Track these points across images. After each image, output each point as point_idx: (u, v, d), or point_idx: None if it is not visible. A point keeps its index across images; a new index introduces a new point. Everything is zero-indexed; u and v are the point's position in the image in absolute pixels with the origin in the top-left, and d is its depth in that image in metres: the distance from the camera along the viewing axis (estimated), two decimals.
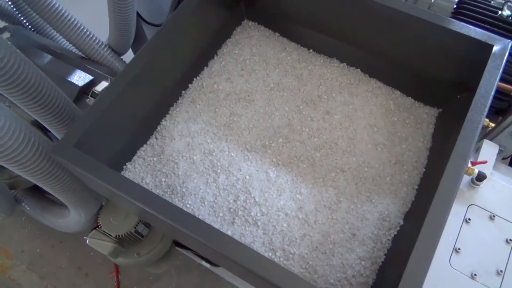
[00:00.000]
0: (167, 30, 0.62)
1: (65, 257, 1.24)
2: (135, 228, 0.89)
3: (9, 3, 1.16)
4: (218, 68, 0.76)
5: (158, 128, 0.70)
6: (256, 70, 0.76)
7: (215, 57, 0.77)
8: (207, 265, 1.13)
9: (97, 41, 1.17)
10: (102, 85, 1.08)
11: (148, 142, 0.68)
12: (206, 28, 0.74)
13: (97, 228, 0.90)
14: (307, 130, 0.71)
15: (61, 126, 0.73)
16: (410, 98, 0.74)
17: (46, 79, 0.64)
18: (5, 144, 0.54)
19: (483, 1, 0.92)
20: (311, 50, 0.79)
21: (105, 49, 1.18)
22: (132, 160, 0.67)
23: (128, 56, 1.27)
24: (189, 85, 0.74)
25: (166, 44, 0.62)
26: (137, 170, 0.66)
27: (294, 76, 0.76)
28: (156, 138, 0.69)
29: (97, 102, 0.54)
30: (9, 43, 0.57)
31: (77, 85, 1.04)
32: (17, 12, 1.21)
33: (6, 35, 1.13)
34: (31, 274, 1.24)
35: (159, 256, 0.99)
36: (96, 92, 1.07)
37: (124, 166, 0.66)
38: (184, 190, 0.64)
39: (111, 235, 0.88)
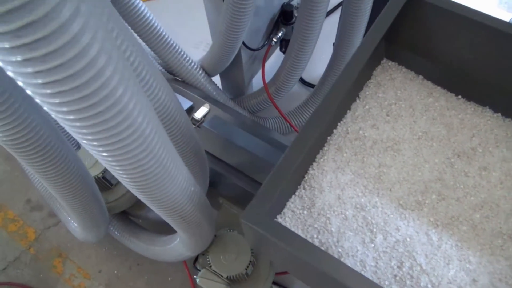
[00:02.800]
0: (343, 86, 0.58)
1: (143, 280, 1.21)
2: (246, 269, 0.85)
3: None
4: (361, 113, 0.71)
5: (306, 177, 0.65)
6: (402, 116, 0.71)
7: (357, 100, 0.72)
8: None
9: (191, 62, 1.13)
10: (201, 111, 1.04)
11: (296, 193, 0.64)
12: (349, 69, 0.69)
13: (207, 268, 0.86)
14: (461, 186, 0.65)
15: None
16: None
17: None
18: (177, 200, 0.50)
19: None
20: (459, 97, 0.73)
21: (199, 71, 1.14)
22: (282, 213, 0.62)
23: (214, 78, 1.23)
24: (334, 130, 0.69)
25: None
26: (288, 225, 0.61)
27: (443, 124, 0.70)
28: (305, 189, 0.64)
29: (281, 163, 0.50)
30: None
31: None
32: None
33: None
34: None
35: None
36: (197, 119, 1.03)
37: (275, 219, 0.61)
38: (340, 250, 0.59)
39: (222, 276, 0.84)
